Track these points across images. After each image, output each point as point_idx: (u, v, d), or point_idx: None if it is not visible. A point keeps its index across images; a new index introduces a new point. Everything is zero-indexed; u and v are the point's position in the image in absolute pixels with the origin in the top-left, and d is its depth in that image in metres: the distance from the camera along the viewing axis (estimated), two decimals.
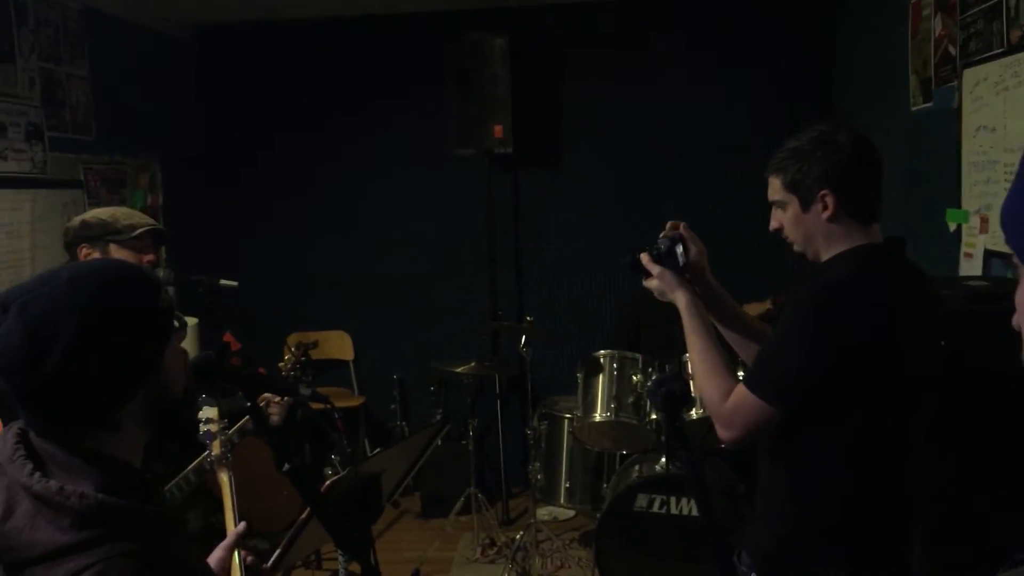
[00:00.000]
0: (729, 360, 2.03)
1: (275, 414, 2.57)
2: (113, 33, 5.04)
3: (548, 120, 5.78)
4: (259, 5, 5.48)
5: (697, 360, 2.02)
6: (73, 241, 2.57)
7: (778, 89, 5.51)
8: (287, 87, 5.88)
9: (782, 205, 2.01)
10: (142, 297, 1.34)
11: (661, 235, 2.20)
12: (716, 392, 1.95)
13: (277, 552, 1.88)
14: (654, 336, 4.62)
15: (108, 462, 1.28)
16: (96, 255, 2.55)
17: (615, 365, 4.20)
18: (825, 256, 1.99)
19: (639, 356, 4.25)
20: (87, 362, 1.24)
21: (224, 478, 2.05)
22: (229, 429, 2.27)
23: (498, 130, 5.30)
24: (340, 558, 3.34)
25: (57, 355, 1.22)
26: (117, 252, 2.55)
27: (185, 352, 1.45)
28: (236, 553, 1.72)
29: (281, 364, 2.96)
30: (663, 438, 4.04)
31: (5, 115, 4.14)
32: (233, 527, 1.82)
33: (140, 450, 1.37)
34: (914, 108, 4.05)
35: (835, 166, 1.92)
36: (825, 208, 1.93)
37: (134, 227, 2.56)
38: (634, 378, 4.16)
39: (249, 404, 1.60)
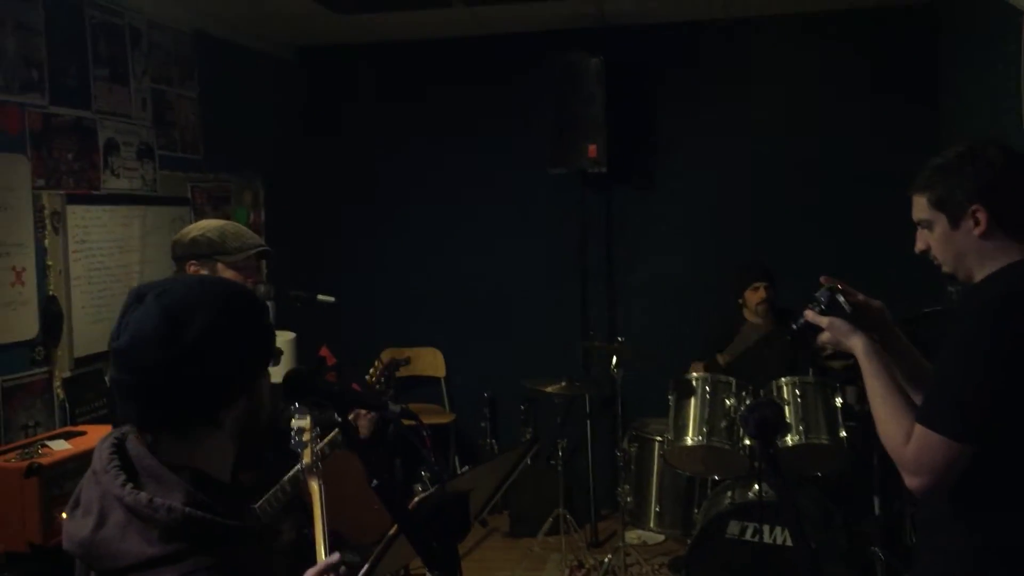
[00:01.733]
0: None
1: (364, 427, 2.60)
2: (220, 55, 5.23)
3: (643, 140, 5.75)
4: (358, 28, 5.61)
5: (878, 404, 1.91)
6: (182, 256, 2.64)
7: (882, 112, 5.37)
8: (384, 107, 5.99)
9: (928, 224, 1.94)
10: (257, 314, 1.44)
11: (816, 293, 2.12)
12: (899, 436, 1.82)
13: (365, 567, 1.89)
14: (741, 365, 4.52)
15: (197, 476, 1.32)
16: (204, 272, 2.61)
17: (707, 388, 4.13)
18: (979, 275, 1.90)
19: (732, 380, 4.16)
20: (211, 351, 1.31)
21: (314, 487, 2.06)
22: (322, 439, 2.28)
23: (592, 149, 5.30)
24: (427, 575, 3.35)
25: (190, 337, 1.29)
26: (224, 271, 2.61)
27: (272, 384, 1.49)
28: None
29: (369, 374, 3.00)
30: (756, 464, 3.94)
31: (119, 134, 4.33)
32: (322, 536, 1.82)
33: (230, 463, 1.41)
34: None
35: (987, 180, 1.85)
36: (976, 224, 1.86)
37: (242, 249, 2.62)
38: (727, 402, 4.08)
39: (340, 419, 1.62)
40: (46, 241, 3.86)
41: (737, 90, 5.60)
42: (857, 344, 1.99)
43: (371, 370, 2.95)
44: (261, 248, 2.68)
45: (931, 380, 1.90)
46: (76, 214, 4.02)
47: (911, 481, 1.81)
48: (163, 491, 1.27)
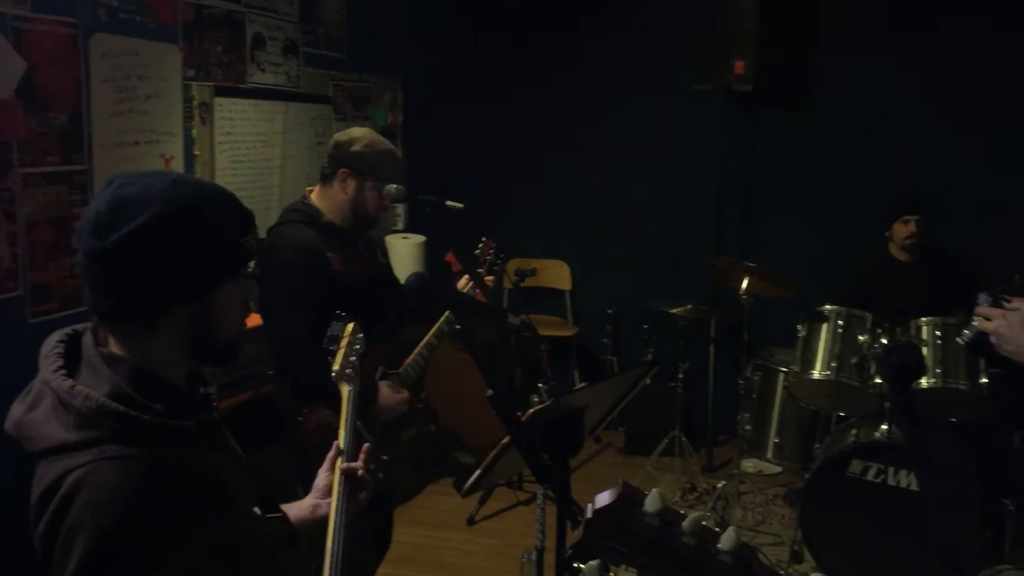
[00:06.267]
0: None
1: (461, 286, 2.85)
2: None
3: (796, 60, 5.45)
4: None
5: None
6: (342, 160, 2.81)
7: None
8: (521, 13, 5.87)
9: None
10: (228, 226, 1.39)
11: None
12: None
13: (477, 472, 1.92)
14: (885, 299, 4.33)
15: (139, 372, 1.33)
16: (353, 184, 2.79)
17: (841, 322, 3.97)
18: None
19: (868, 315, 3.99)
20: (148, 249, 1.30)
21: (344, 392, 2.00)
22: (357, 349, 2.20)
23: (739, 66, 5.07)
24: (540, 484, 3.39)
25: (126, 231, 1.28)
26: (370, 191, 2.80)
27: (248, 306, 1.46)
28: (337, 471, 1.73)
29: (479, 249, 3.12)
30: (886, 404, 3.79)
31: (265, 29, 4.40)
32: (344, 441, 1.80)
33: (182, 371, 1.42)
34: None
35: None
36: None
37: (392, 180, 2.82)
38: (860, 338, 3.92)
39: (459, 327, 1.62)
40: (194, 131, 3.98)
41: (911, 12, 5.21)
42: None
43: (480, 246, 3.06)
44: (403, 190, 2.84)
45: None
46: (223, 106, 4.13)
47: None
48: (95, 381, 1.30)
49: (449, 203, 2.91)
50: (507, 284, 5.56)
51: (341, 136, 2.87)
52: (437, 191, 3.15)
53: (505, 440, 1.82)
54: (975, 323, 1.88)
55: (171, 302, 1.34)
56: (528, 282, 4.70)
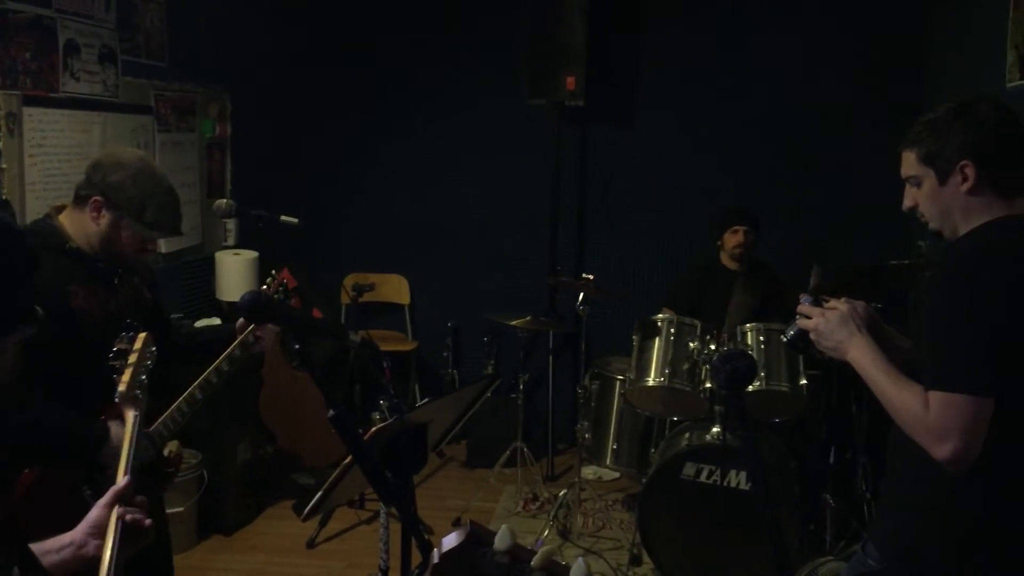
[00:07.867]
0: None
1: (268, 341, 2.52)
2: None
3: (624, 74, 5.64)
4: None
5: (887, 387, 1.82)
6: (97, 187, 2.36)
7: (866, 58, 5.30)
8: (357, 25, 5.81)
9: (917, 181, 1.91)
10: (15, 268, 1.21)
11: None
12: (915, 402, 1.75)
13: (318, 494, 1.86)
14: (714, 306, 4.53)
15: None
16: (106, 217, 2.37)
17: (672, 330, 4.11)
18: (964, 231, 1.88)
19: (697, 323, 4.15)
20: None
21: (129, 416, 1.79)
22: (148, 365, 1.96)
23: (571, 82, 5.18)
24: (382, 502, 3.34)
25: None
26: (126, 229, 2.38)
27: (10, 353, 1.27)
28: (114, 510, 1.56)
29: (266, 284, 2.74)
30: (716, 408, 3.96)
31: (80, 36, 4.15)
32: (124, 466, 1.63)
33: None
34: (1009, 84, 3.85)
35: (977, 136, 1.82)
36: (964, 180, 1.84)
37: (155, 228, 2.40)
38: (690, 345, 4.07)
39: (296, 346, 1.56)
40: (0, 143, 3.71)
41: (727, 26, 5.49)
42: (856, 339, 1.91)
43: (268, 280, 2.67)
44: (233, 204, 2.64)
45: (927, 345, 1.82)
46: (33, 117, 3.86)
47: (941, 449, 1.70)
48: None
49: (284, 218, 2.82)
50: (345, 299, 5.45)
51: (106, 157, 2.44)
52: (270, 205, 3.05)
53: (347, 460, 1.77)
54: (797, 321, 2.00)
55: None
56: (366, 297, 4.63)
